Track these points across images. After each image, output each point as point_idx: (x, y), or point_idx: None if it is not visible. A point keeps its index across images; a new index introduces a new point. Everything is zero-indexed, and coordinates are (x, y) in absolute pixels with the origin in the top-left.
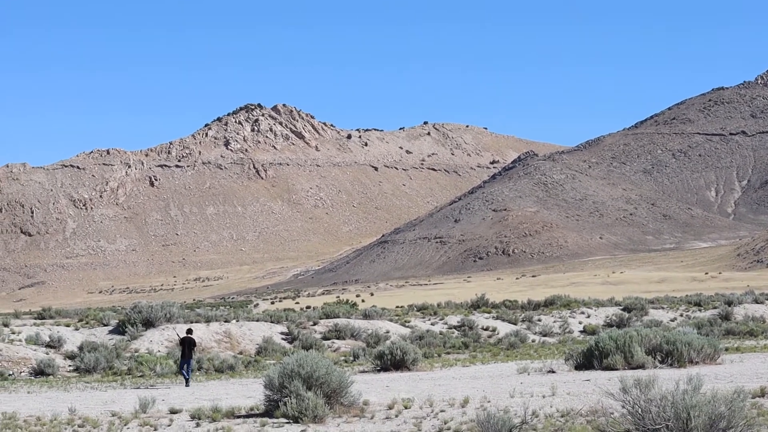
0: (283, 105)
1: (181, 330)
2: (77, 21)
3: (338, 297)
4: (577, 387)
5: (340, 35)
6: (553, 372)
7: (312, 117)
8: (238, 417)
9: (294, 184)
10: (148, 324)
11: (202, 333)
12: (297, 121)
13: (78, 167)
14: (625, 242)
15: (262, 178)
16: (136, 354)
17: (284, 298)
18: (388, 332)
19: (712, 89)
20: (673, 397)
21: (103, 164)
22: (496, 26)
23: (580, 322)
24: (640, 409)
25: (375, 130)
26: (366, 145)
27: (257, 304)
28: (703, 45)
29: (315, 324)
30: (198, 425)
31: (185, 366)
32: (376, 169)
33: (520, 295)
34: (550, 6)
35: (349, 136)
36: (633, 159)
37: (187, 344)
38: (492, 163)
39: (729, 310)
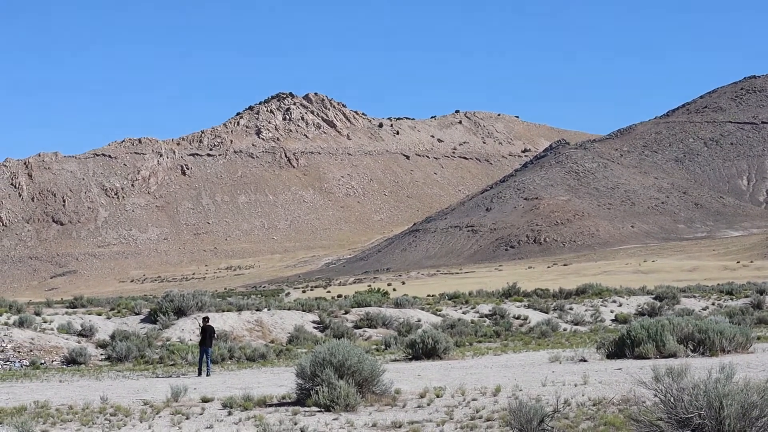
0: (315, 94)
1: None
2: (109, 10)
3: (369, 286)
4: (609, 376)
5: (371, 24)
6: (585, 361)
7: (343, 105)
8: (270, 405)
9: (325, 172)
10: (180, 313)
11: (233, 322)
12: (328, 109)
13: (110, 156)
14: (656, 231)
15: (294, 167)
16: (168, 343)
17: (315, 286)
18: (419, 321)
19: (744, 77)
20: (706, 385)
21: (135, 153)
22: (528, 16)
23: (611, 311)
24: (672, 398)
25: (406, 118)
26: (397, 133)
27: (288, 293)
28: (735, 33)
29: (346, 313)
30: (230, 414)
31: (204, 355)
32: (407, 157)
33: (551, 283)
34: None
35: (380, 125)
36: (665, 147)
37: (208, 333)
38: (524, 151)
39: (761, 298)
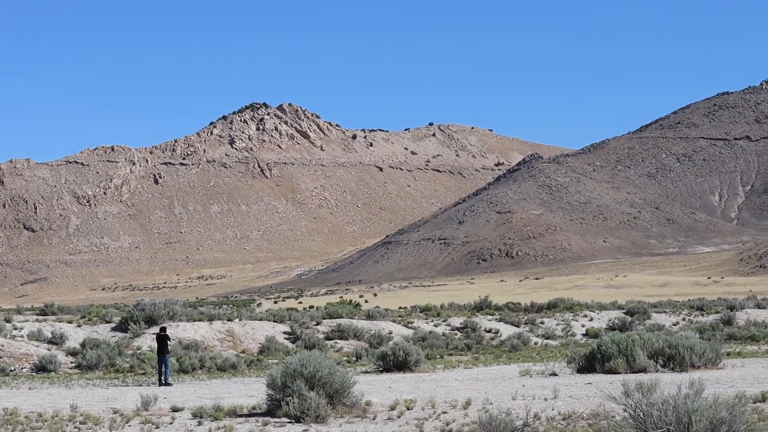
0: (289, 104)
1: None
2: (86, 24)
3: (341, 297)
4: (579, 390)
5: (346, 37)
6: (556, 375)
7: (317, 116)
8: (240, 416)
9: (298, 183)
10: (151, 322)
11: (204, 331)
12: (302, 120)
13: (82, 164)
14: (628, 246)
15: (267, 177)
16: (139, 351)
17: (287, 297)
18: (390, 333)
19: (717, 94)
20: (675, 401)
21: (108, 161)
22: (502, 31)
23: (582, 325)
24: (641, 413)
25: (380, 130)
26: (371, 145)
27: (260, 303)
28: (708, 50)
29: (318, 324)
30: (200, 424)
31: (163, 363)
32: (380, 169)
33: (523, 297)
34: (556, 12)
35: (354, 136)
36: (637, 163)
37: (161, 341)
38: (497, 165)
39: (731, 314)
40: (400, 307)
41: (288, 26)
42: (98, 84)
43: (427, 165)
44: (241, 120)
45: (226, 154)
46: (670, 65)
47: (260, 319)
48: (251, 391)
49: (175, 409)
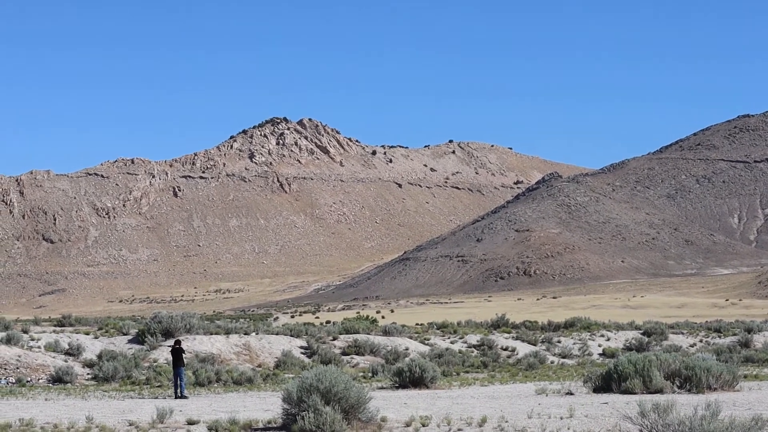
0: (309, 119)
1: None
2: (107, 37)
3: (358, 313)
4: (595, 410)
5: (367, 53)
6: (572, 394)
7: (337, 132)
8: (256, 430)
9: (317, 198)
10: (168, 334)
11: (221, 345)
12: (322, 135)
13: (102, 176)
14: (646, 266)
15: (286, 192)
16: (155, 364)
17: (304, 312)
18: (407, 349)
19: (738, 116)
20: (691, 422)
21: (127, 173)
22: (524, 50)
23: (599, 345)
24: None
25: (400, 147)
26: (390, 161)
27: (277, 318)
28: (729, 72)
29: (334, 339)
30: None
31: (178, 376)
32: (399, 186)
33: (540, 316)
34: (577, 31)
35: (373, 152)
36: (657, 183)
37: (176, 354)
38: (516, 183)
39: (749, 337)
40: (417, 324)
41: (309, 41)
42: (119, 96)
43: (446, 182)
44: (261, 134)
45: (245, 168)
46: (691, 87)
47: (277, 334)
48: (267, 405)
49: (190, 422)
